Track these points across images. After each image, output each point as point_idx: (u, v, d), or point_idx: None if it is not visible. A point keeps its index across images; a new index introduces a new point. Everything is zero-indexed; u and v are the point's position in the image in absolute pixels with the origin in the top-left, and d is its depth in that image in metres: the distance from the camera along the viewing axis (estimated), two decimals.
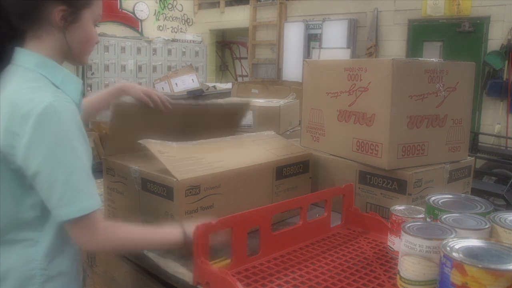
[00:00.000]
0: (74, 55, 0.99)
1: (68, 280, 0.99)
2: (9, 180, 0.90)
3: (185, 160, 1.12)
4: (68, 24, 0.95)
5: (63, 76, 0.95)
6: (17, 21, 0.93)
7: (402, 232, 0.86)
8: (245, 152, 1.28)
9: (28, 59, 0.92)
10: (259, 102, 2.07)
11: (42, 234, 0.95)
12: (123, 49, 6.75)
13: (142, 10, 7.63)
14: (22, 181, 0.89)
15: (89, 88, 6.04)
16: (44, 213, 0.93)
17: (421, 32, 5.54)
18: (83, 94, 1.02)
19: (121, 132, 1.22)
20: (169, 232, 0.99)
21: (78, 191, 0.88)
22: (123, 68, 6.75)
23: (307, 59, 5.63)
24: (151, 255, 1.13)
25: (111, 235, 0.94)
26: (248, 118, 1.90)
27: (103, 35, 6.41)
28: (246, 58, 7.94)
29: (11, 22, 0.92)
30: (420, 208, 1.06)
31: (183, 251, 1.01)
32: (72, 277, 1.01)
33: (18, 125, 0.84)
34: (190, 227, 0.96)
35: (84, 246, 0.98)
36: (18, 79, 0.90)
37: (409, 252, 0.84)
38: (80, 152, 0.89)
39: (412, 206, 1.07)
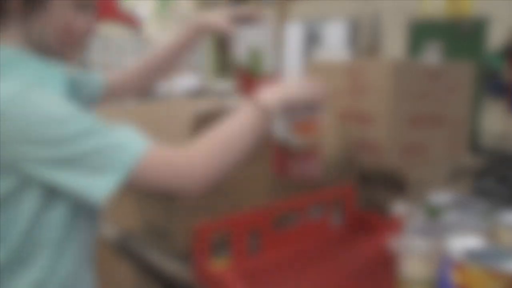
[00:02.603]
0: (51, 49, 0.81)
1: (72, 283, 0.83)
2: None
3: None
4: (31, 11, 0.76)
5: (37, 69, 0.78)
6: None
7: (402, 232, 0.86)
8: None
9: None
10: None
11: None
12: (123, 49, 6.75)
13: (142, 10, 7.63)
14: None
15: None
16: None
17: (421, 32, 5.54)
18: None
19: None
20: (242, 114, 0.80)
21: (108, 151, 0.69)
22: (123, 68, 6.75)
23: (307, 59, 5.62)
24: (152, 255, 1.13)
25: (199, 156, 0.74)
26: None
27: (102, 35, 6.41)
28: None
29: None
30: (420, 208, 1.06)
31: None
32: (78, 279, 0.84)
33: None
34: (267, 93, 0.81)
35: (186, 192, 0.75)
36: None
37: (409, 252, 0.84)
38: (74, 112, 0.70)
39: (412, 206, 1.07)
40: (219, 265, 0.98)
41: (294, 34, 6.60)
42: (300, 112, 0.86)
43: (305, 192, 1.19)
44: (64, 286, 0.79)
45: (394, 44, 5.75)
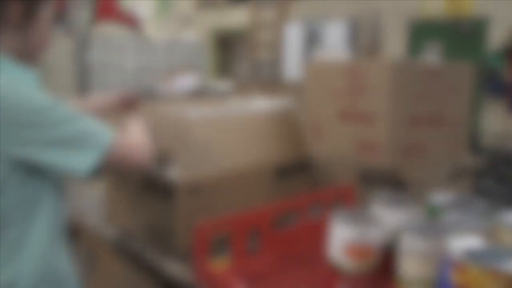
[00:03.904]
0: (28, 56, 0.94)
1: (44, 261, 0.91)
2: None
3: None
4: (27, 21, 0.90)
5: (18, 74, 0.89)
6: None
7: (402, 232, 0.86)
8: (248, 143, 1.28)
9: None
10: (261, 103, 2.06)
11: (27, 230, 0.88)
12: (123, 49, 6.75)
13: (142, 10, 7.63)
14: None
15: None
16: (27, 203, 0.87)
17: (421, 32, 5.54)
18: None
19: None
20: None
21: (87, 135, 0.86)
22: (123, 68, 6.75)
23: (307, 59, 5.60)
24: (152, 255, 1.13)
25: (140, 149, 0.94)
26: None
27: (102, 35, 6.41)
28: (246, 58, 7.94)
29: None
30: (421, 208, 1.06)
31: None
32: (50, 258, 0.93)
33: None
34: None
35: (134, 169, 0.97)
36: None
37: (408, 252, 0.84)
38: (57, 101, 0.86)
39: (413, 206, 1.07)
40: (219, 265, 0.97)
41: (294, 34, 6.60)
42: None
43: (305, 192, 1.19)
44: (35, 263, 0.88)
45: (394, 44, 5.75)
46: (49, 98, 0.86)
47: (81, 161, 0.84)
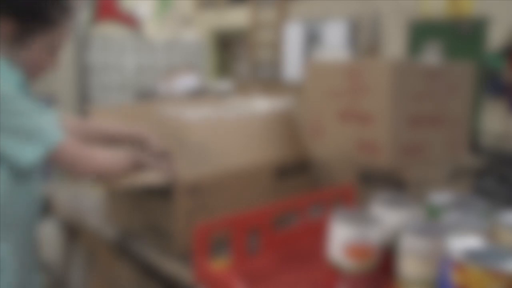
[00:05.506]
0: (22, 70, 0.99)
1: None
2: None
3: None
4: (15, 43, 0.96)
5: None
6: None
7: (402, 232, 0.86)
8: (247, 143, 1.28)
9: None
10: (261, 103, 2.06)
11: None
12: (122, 49, 6.75)
13: (142, 10, 7.63)
14: None
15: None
16: None
17: (421, 32, 5.54)
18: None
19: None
20: (121, 156, 1.06)
21: (34, 130, 0.92)
22: (123, 68, 6.75)
23: (307, 59, 5.60)
24: (152, 255, 1.13)
25: (88, 161, 1.00)
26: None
27: (102, 35, 6.41)
28: (246, 58, 7.94)
29: None
30: (421, 208, 1.06)
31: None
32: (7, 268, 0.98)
33: None
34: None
35: (72, 174, 1.07)
36: None
37: (408, 252, 0.84)
38: (21, 100, 0.92)
39: (413, 206, 1.07)
40: (219, 265, 0.98)
41: (294, 34, 6.60)
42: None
43: (305, 192, 1.19)
44: None
45: (394, 44, 5.74)
46: (14, 90, 0.92)
47: (26, 154, 0.91)
